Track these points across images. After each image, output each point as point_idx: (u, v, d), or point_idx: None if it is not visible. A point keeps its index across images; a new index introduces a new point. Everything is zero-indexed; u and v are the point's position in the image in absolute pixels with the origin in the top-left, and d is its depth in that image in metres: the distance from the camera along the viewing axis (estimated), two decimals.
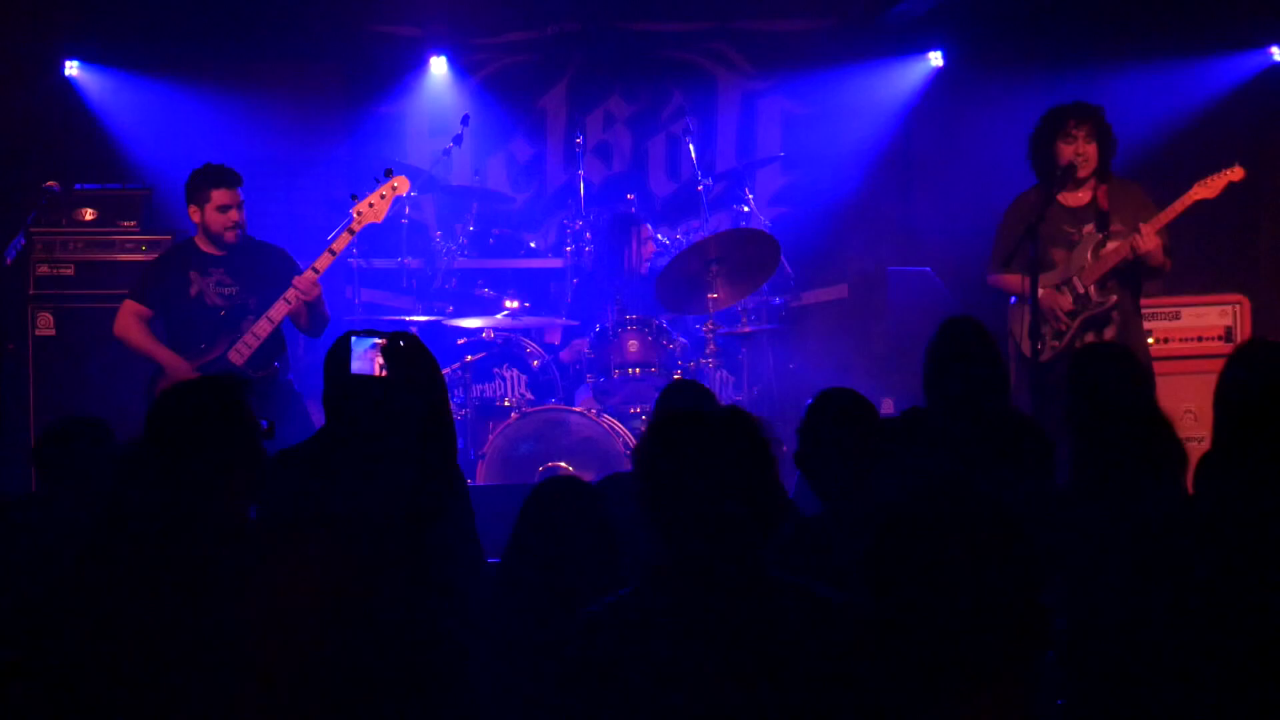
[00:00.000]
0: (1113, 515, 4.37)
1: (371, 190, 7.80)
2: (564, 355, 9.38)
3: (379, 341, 4.34)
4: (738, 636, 3.10)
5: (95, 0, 10.32)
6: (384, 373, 4.31)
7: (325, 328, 7.80)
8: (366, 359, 4.39)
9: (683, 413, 3.36)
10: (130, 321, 7.72)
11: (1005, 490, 4.25)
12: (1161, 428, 4.84)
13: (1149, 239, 7.41)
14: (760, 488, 3.23)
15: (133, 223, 9.42)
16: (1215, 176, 7.57)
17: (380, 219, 7.81)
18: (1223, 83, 10.41)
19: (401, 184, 7.85)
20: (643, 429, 8.43)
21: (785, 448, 4.94)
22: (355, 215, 7.75)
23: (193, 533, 3.63)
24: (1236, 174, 7.56)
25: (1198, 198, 7.56)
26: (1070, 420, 4.96)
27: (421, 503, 4.17)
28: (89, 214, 9.40)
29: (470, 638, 4.11)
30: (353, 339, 4.41)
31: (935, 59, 10.89)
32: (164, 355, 7.57)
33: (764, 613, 3.13)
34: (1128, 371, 5.07)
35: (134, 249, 9.32)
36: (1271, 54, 10.43)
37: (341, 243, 7.64)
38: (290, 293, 7.50)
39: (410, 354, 4.29)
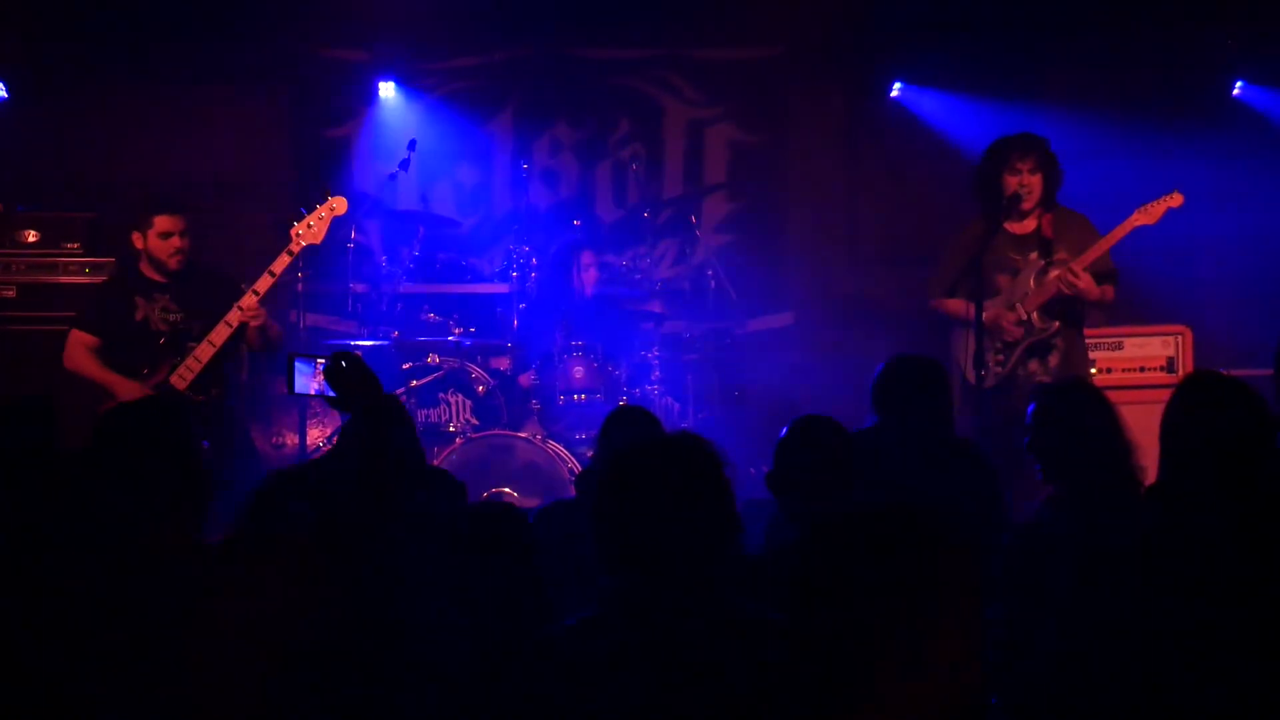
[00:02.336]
0: (1074, 546, 4.37)
1: (309, 212, 7.77)
2: (522, 380, 9.28)
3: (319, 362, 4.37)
4: (689, 665, 3.07)
5: (39, 19, 10.23)
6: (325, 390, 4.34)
7: (277, 348, 7.74)
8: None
9: (636, 441, 3.34)
10: (79, 353, 7.63)
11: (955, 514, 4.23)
12: (1127, 459, 4.79)
13: (1082, 278, 7.43)
14: (714, 513, 3.21)
15: (76, 245, 9.35)
16: (1155, 203, 7.59)
17: (319, 240, 7.78)
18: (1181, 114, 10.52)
19: (339, 205, 7.81)
20: (588, 454, 8.43)
21: (736, 473, 4.93)
22: (294, 237, 7.72)
23: (132, 553, 3.57)
24: (1176, 200, 7.58)
25: (1138, 224, 7.58)
26: (1038, 453, 4.91)
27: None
28: (31, 236, 9.32)
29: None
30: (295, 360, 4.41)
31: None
32: (117, 382, 7.47)
33: (715, 640, 3.10)
34: (1093, 407, 5.00)
35: (77, 271, 9.24)
36: (1233, 87, 10.55)
37: (280, 265, 7.59)
38: (231, 315, 7.45)
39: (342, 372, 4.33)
